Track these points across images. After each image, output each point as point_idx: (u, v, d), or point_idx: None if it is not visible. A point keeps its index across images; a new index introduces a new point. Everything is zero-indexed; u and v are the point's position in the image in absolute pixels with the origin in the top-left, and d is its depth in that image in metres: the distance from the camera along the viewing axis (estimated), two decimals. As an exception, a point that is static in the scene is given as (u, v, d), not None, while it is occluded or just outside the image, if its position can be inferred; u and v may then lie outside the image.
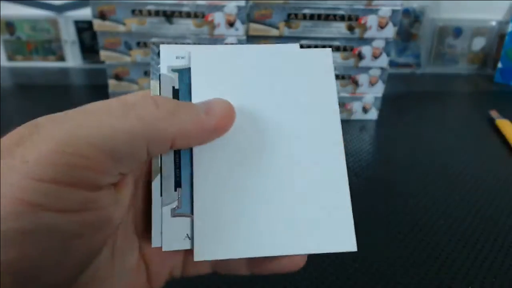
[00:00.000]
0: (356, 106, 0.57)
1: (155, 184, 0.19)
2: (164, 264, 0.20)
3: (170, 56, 0.21)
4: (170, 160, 0.19)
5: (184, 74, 0.20)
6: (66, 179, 0.14)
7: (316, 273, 0.31)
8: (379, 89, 0.56)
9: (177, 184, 0.19)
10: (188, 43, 0.19)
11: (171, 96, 0.20)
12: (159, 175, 0.19)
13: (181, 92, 0.20)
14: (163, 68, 0.20)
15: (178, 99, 0.20)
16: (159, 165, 0.19)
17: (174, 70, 0.20)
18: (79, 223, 0.14)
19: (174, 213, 0.19)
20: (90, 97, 0.65)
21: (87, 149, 0.14)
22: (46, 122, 0.15)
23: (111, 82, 0.54)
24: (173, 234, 0.19)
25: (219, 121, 0.18)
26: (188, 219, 0.19)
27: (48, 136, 0.14)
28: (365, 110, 0.58)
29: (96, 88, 0.66)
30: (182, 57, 0.21)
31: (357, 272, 0.31)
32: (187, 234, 0.19)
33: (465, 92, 0.72)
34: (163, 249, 0.18)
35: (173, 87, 0.20)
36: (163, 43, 0.22)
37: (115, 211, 0.16)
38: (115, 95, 0.54)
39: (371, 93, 0.57)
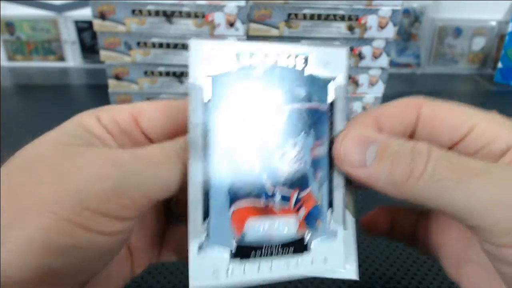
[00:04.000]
0: (356, 106, 0.57)
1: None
2: (145, 256, 0.24)
3: (202, 56, 0.16)
4: (198, 182, 0.16)
5: (219, 80, 0.16)
6: (103, 209, 0.17)
7: (316, 273, 0.31)
8: (379, 89, 0.56)
9: (205, 214, 0.17)
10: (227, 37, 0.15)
11: (201, 114, 0.16)
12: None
13: (213, 103, 0.16)
14: (192, 75, 0.16)
15: (207, 118, 0.16)
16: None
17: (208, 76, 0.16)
18: (110, 243, 0.18)
19: (202, 248, 0.17)
20: (90, 97, 0.65)
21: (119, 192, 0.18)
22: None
23: (111, 82, 0.54)
24: (201, 269, 0.17)
25: None
26: (217, 254, 0.17)
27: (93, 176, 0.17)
28: (365, 110, 0.58)
29: (96, 88, 0.66)
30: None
31: (357, 272, 0.31)
32: (214, 270, 0.17)
33: (465, 92, 0.72)
34: (190, 286, 0.17)
35: (202, 100, 0.16)
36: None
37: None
38: (115, 95, 0.54)
39: (371, 93, 0.57)
